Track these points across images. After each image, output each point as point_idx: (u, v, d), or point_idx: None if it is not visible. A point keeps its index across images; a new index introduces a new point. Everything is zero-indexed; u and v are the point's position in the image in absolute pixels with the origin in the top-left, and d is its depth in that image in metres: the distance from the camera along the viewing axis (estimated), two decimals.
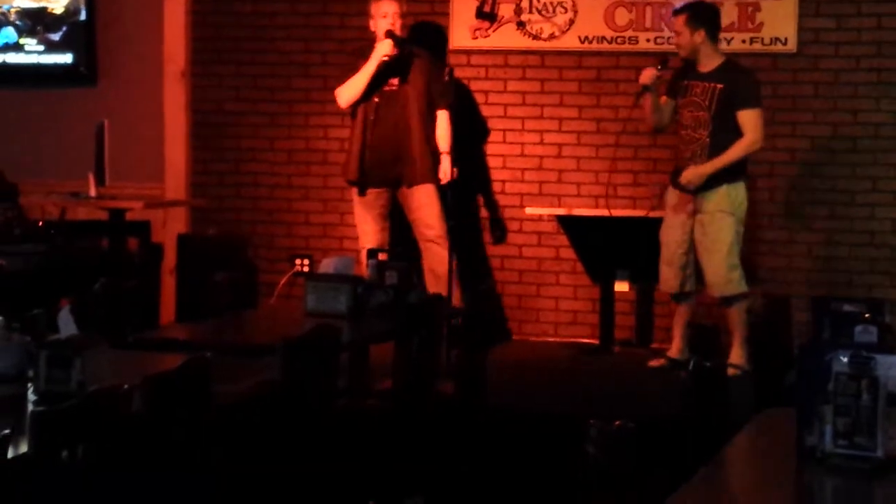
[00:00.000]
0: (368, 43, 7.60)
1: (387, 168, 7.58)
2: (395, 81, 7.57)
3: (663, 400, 6.18)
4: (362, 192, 7.61)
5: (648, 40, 8.21)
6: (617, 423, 3.00)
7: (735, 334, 7.09)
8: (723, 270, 7.07)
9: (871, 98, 7.99)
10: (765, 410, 3.86)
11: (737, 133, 7.05)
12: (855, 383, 3.12)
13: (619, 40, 8.27)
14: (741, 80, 7.15)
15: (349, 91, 7.59)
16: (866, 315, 4.20)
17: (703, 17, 7.20)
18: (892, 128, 7.97)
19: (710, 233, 7.09)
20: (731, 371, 6.69)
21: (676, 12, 7.29)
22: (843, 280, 7.94)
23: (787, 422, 3.30)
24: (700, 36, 7.14)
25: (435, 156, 7.54)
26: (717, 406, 3.84)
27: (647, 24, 8.22)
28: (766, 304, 6.09)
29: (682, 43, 7.18)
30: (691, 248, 7.18)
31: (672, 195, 7.28)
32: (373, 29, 7.61)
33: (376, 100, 7.55)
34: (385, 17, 7.53)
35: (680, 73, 7.30)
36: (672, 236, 7.24)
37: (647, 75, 7.27)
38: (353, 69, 7.55)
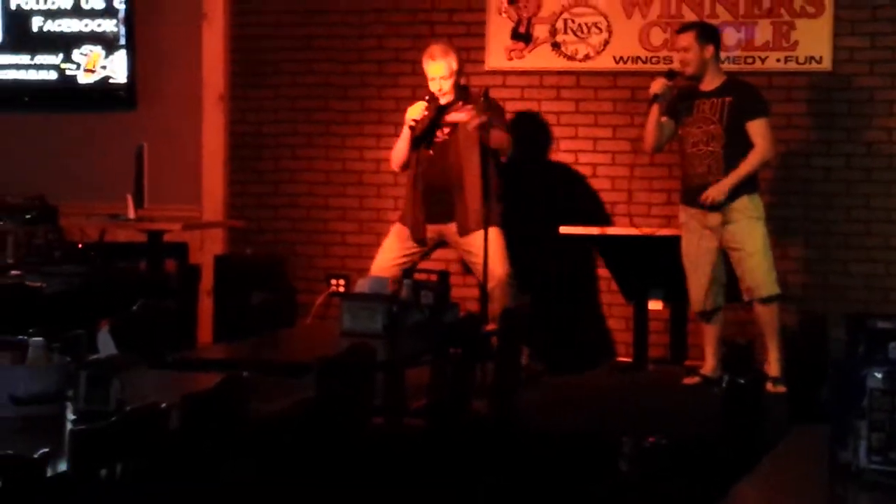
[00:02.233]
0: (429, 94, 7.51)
1: (439, 213, 7.53)
2: (447, 130, 7.51)
3: (698, 417, 6.18)
4: (421, 239, 7.57)
5: None
6: (650, 439, 3.02)
7: (771, 344, 7.09)
8: (763, 272, 7.14)
9: None
10: (799, 427, 3.86)
11: (748, 144, 7.13)
12: (889, 399, 3.12)
13: (653, 60, 8.28)
14: (748, 92, 7.26)
15: (395, 156, 7.62)
16: None
17: (711, 34, 7.35)
18: None
19: (743, 239, 7.15)
20: (771, 387, 6.66)
21: (684, 29, 7.40)
22: (879, 297, 7.91)
23: (821, 439, 3.30)
24: (709, 52, 7.25)
25: (490, 201, 7.45)
26: (751, 423, 3.85)
27: None
28: (802, 321, 6.09)
29: (692, 59, 7.26)
30: (716, 265, 7.23)
31: (685, 215, 7.31)
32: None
33: (431, 151, 7.49)
34: (433, 81, 7.47)
35: (680, 94, 7.37)
36: (698, 255, 7.25)
37: (657, 85, 7.33)
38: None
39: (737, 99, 7.16)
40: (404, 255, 7.56)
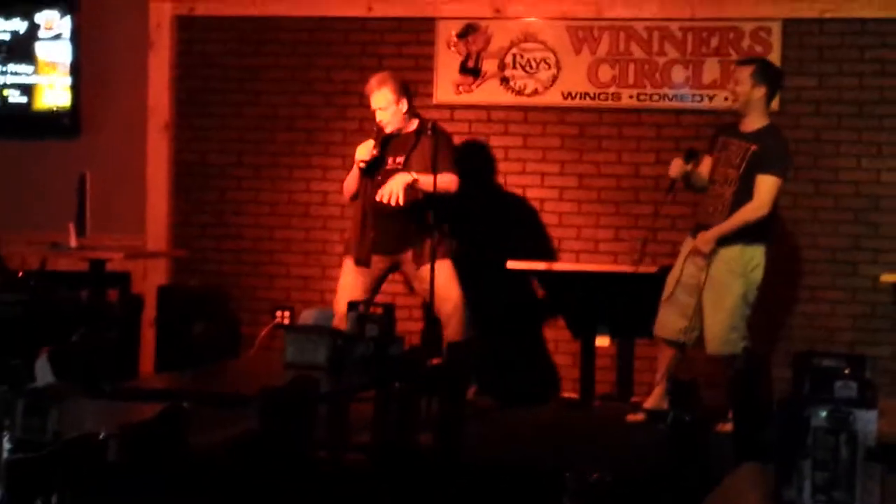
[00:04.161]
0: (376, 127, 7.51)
1: (390, 243, 7.51)
2: (401, 159, 7.46)
3: (643, 454, 6.17)
4: (366, 265, 7.53)
5: (631, 97, 8.25)
6: (594, 475, 2.99)
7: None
8: (722, 329, 7.03)
9: (852, 156, 8.03)
10: (742, 465, 3.85)
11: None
12: (833, 438, 3.12)
13: (602, 96, 8.30)
14: (773, 145, 7.05)
15: (347, 187, 7.60)
16: (847, 371, 4.19)
17: (770, 75, 7.16)
18: (873, 186, 8.00)
19: (716, 290, 7.04)
20: (722, 427, 6.57)
21: (744, 62, 7.25)
22: (824, 336, 7.94)
23: (764, 477, 3.29)
24: (760, 92, 7.07)
25: (442, 231, 7.46)
26: (695, 461, 3.83)
27: (630, 80, 8.26)
28: (747, 359, 6.08)
29: (740, 93, 7.09)
30: (697, 302, 7.09)
31: (688, 244, 7.24)
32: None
33: (379, 178, 7.43)
34: (375, 113, 7.46)
35: (723, 127, 7.25)
36: (680, 284, 7.16)
37: (675, 168, 7.18)
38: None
39: (760, 149, 6.99)
40: (364, 289, 7.49)
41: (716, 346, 7.06)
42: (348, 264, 7.61)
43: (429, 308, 7.39)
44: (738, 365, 6.65)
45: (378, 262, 7.54)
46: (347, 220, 8.03)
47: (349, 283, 7.54)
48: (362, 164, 7.41)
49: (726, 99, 8.05)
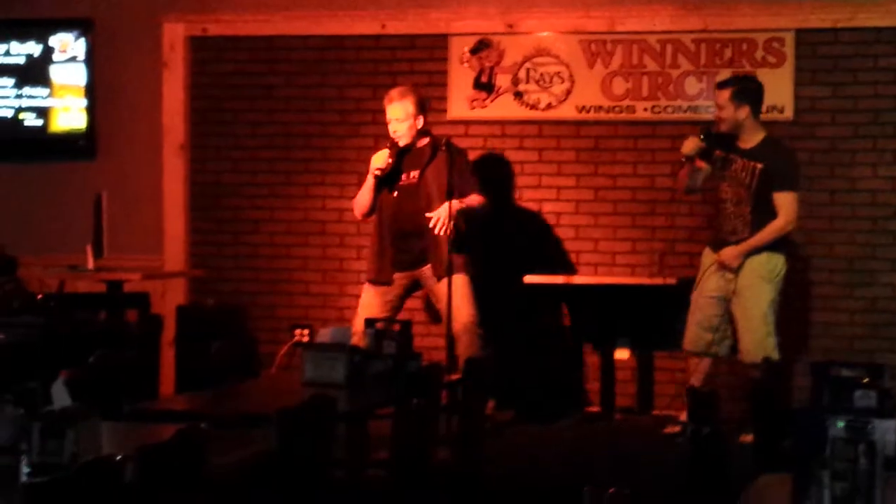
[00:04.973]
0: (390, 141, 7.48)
1: (410, 259, 7.50)
2: (416, 174, 7.46)
3: (663, 467, 6.14)
4: (388, 283, 7.51)
5: (646, 109, 8.24)
6: (611, 490, 2.98)
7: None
8: (759, 337, 7.05)
9: (868, 165, 8.02)
10: (762, 476, 3.83)
11: (775, 211, 7.07)
12: (852, 448, 3.10)
13: (616, 109, 8.30)
14: (781, 160, 7.13)
15: (359, 203, 7.56)
16: (866, 380, 4.18)
17: (749, 93, 7.18)
18: (889, 194, 7.99)
19: (747, 299, 7.08)
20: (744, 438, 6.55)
21: (722, 85, 7.27)
22: (844, 346, 7.91)
23: (784, 488, 3.27)
24: (744, 112, 7.12)
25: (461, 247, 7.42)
26: (715, 473, 3.81)
27: (644, 93, 8.26)
28: (767, 369, 6.07)
29: (725, 117, 7.14)
30: (724, 313, 7.14)
31: (709, 257, 7.24)
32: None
33: (395, 194, 7.45)
34: (389, 123, 7.45)
35: (719, 141, 7.24)
36: (705, 297, 7.19)
37: (690, 145, 7.22)
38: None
39: (767, 166, 7.04)
40: (384, 307, 7.48)
41: (752, 356, 7.03)
42: (369, 289, 7.58)
43: (445, 324, 7.37)
44: (759, 375, 6.67)
45: (399, 279, 7.53)
46: (364, 237, 8.02)
47: (369, 301, 7.53)
48: (378, 173, 7.40)
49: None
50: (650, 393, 8.08)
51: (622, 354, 7.95)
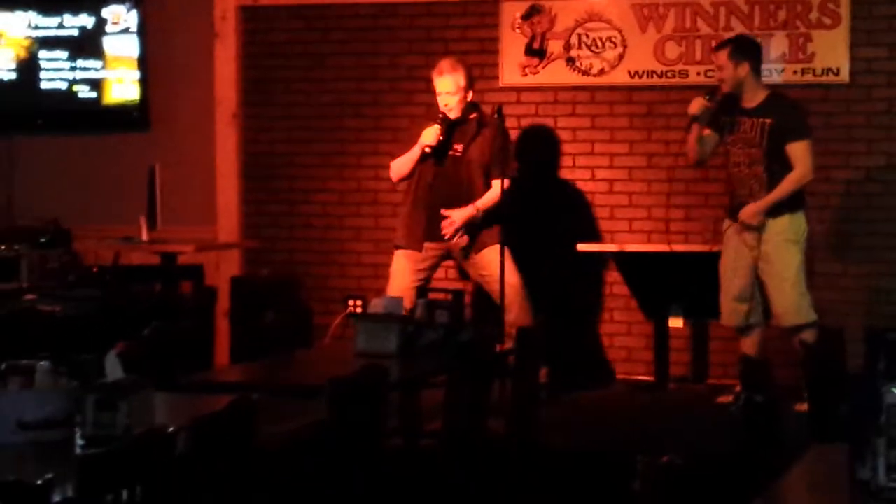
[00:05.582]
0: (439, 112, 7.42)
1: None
2: (460, 147, 7.42)
3: (717, 436, 6.11)
4: (418, 249, 7.49)
5: (699, 73, 8.16)
6: (664, 458, 2.95)
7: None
8: (792, 299, 7.02)
9: None
10: (818, 445, 3.80)
11: (790, 165, 7.01)
12: None
13: (669, 74, 8.23)
14: (788, 112, 7.11)
15: (399, 169, 7.52)
16: None
17: (746, 50, 7.18)
18: None
19: (775, 263, 7.04)
20: (800, 406, 6.53)
21: (719, 47, 7.27)
22: None
23: (841, 456, 3.24)
24: (744, 69, 7.10)
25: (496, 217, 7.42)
26: (769, 441, 3.78)
27: (698, 57, 8.19)
28: (822, 336, 6.02)
29: (726, 77, 7.13)
30: (753, 281, 7.12)
31: (730, 228, 7.21)
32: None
33: (443, 167, 7.42)
34: (439, 96, 7.38)
35: (723, 107, 7.23)
36: (732, 269, 7.16)
37: (696, 105, 7.22)
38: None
39: (776, 120, 7.01)
40: (416, 275, 7.48)
41: (789, 319, 7.03)
42: (400, 255, 7.58)
43: (489, 294, 7.35)
44: (811, 342, 6.62)
45: (431, 248, 7.51)
46: None
47: (400, 268, 7.52)
48: (427, 149, 7.38)
49: (795, 73, 7.98)
50: (705, 362, 8.03)
51: (676, 323, 7.89)
